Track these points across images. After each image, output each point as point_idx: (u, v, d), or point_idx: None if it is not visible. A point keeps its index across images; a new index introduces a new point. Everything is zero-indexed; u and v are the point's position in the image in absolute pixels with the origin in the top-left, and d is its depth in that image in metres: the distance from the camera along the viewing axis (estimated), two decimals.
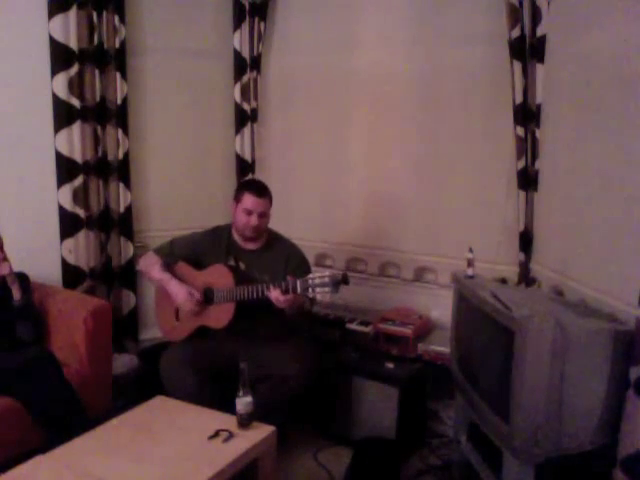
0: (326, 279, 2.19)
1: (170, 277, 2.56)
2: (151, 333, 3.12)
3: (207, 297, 2.51)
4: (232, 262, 2.57)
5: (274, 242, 2.63)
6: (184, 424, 2.04)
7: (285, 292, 2.26)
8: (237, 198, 2.54)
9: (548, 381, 1.72)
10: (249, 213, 2.48)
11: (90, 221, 3.02)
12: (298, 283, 2.23)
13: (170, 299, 2.57)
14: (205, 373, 2.42)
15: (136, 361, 3.05)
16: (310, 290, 2.21)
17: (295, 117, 3.37)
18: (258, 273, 2.52)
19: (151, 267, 2.62)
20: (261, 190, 2.52)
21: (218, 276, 2.50)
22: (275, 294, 2.27)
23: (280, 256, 2.57)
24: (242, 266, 2.57)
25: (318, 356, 2.59)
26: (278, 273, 2.48)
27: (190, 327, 2.56)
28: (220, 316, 2.46)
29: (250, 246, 2.59)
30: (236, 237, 2.60)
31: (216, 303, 2.49)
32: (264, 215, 2.52)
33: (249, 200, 2.49)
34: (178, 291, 2.51)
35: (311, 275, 2.26)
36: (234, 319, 2.43)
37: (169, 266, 2.62)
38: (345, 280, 2.22)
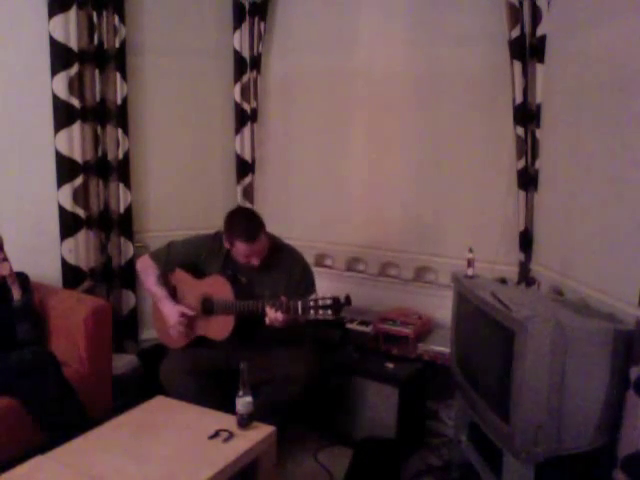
0: (328, 301, 2.16)
1: (164, 295, 2.52)
2: (151, 333, 3.10)
3: (206, 307, 2.49)
4: (230, 272, 2.49)
5: (276, 253, 2.49)
6: (184, 424, 2.04)
7: (285, 311, 2.20)
8: (229, 240, 2.40)
9: (548, 381, 1.72)
10: (246, 257, 2.38)
11: (90, 221, 3.02)
12: (299, 304, 2.18)
13: None
14: (206, 378, 2.41)
15: (136, 361, 3.05)
16: (312, 312, 2.17)
17: (295, 117, 3.37)
18: (258, 287, 2.46)
19: (147, 276, 2.58)
20: (252, 234, 2.34)
21: (217, 287, 2.45)
22: (272, 314, 2.22)
23: (282, 269, 2.48)
24: (242, 278, 2.50)
25: (319, 358, 2.58)
26: (279, 287, 2.42)
27: (189, 337, 2.53)
28: (220, 328, 2.43)
29: None
30: None
31: (216, 313, 2.46)
32: (261, 251, 2.38)
33: (242, 248, 2.35)
34: (169, 313, 2.47)
35: (313, 297, 2.21)
36: (234, 331, 2.40)
37: (166, 275, 2.59)
38: (348, 302, 2.20)
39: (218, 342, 2.46)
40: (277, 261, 2.49)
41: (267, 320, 2.25)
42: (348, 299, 2.20)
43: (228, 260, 2.50)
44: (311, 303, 2.18)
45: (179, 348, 2.55)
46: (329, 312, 2.16)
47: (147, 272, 2.59)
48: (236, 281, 2.48)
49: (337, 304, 2.16)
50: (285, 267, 2.50)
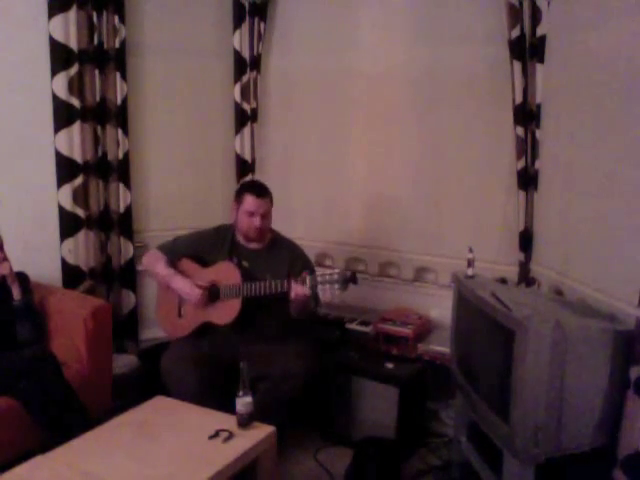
0: (335, 276, 2.23)
1: (174, 272, 2.58)
2: (151, 333, 3.12)
3: (212, 294, 2.52)
4: (235, 261, 2.58)
5: (277, 243, 2.63)
6: (184, 424, 2.04)
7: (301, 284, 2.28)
8: (237, 200, 2.55)
9: (548, 381, 1.72)
10: (251, 215, 2.49)
11: (90, 221, 3.02)
12: (307, 279, 2.26)
13: (173, 295, 2.59)
14: (206, 371, 2.42)
15: (136, 361, 3.05)
16: (319, 286, 2.23)
17: (295, 117, 3.37)
18: (260, 273, 2.52)
19: (155, 263, 2.63)
20: (261, 191, 2.53)
21: (225, 273, 2.51)
22: (296, 288, 2.28)
23: (283, 257, 2.58)
24: (245, 265, 2.58)
25: (319, 355, 2.60)
26: (281, 274, 2.47)
27: (194, 323, 2.57)
28: (225, 312, 2.48)
29: (253, 246, 2.60)
30: (239, 237, 2.61)
31: (222, 299, 2.49)
32: (266, 215, 2.52)
33: (250, 202, 2.49)
34: (183, 285, 2.52)
35: (320, 272, 2.29)
36: (239, 316, 2.43)
37: (173, 263, 2.63)
38: (354, 279, 2.26)
39: (222, 328, 2.49)
40: (279, 248, 2.61)
41: (292, 294, 2.30)
42: (354, 276, 2.27)
43: (232, 247, 2.60)
44: (319, 278, 2.25)
45: (181, 338, 2.58)
46: (336, 287, 2.22)
47: (155, 260, 2.64)
48: (240, 266, 2.54)
49: (344, 278, 2.23)
50: (287, 254, 2.59)
